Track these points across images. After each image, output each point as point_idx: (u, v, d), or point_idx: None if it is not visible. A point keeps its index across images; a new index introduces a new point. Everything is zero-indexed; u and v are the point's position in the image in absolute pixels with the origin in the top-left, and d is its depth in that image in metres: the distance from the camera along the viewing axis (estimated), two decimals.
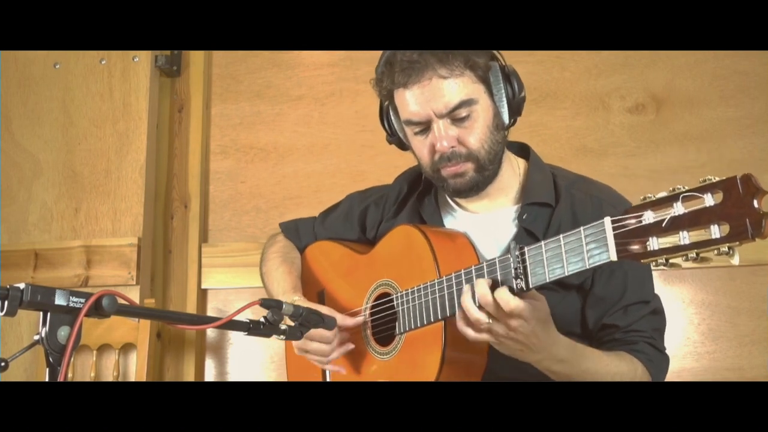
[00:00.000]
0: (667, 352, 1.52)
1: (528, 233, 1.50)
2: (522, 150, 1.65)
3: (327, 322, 1.40)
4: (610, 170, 2.41)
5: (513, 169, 1.60)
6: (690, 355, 2.31)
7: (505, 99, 1.48)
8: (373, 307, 1.57)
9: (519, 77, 1.50)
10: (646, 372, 1.44)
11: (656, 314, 1.52)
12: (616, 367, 1.39)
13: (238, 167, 2.64)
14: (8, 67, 2.63)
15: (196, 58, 2.69)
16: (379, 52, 1.53)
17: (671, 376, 2.26)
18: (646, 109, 2.46)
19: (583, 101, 2.50)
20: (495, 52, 1.51)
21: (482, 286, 1.24)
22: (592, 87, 2.50)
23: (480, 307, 1.25)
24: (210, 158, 2.66)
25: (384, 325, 1.54)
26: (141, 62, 2.58)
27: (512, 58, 1.51)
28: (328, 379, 1.66)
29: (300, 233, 1.88)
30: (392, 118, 1.57)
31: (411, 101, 1.46)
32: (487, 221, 1.57)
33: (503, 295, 1.21)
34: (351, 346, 1.56)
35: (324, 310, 1.47)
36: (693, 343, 2.32)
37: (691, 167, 2.39)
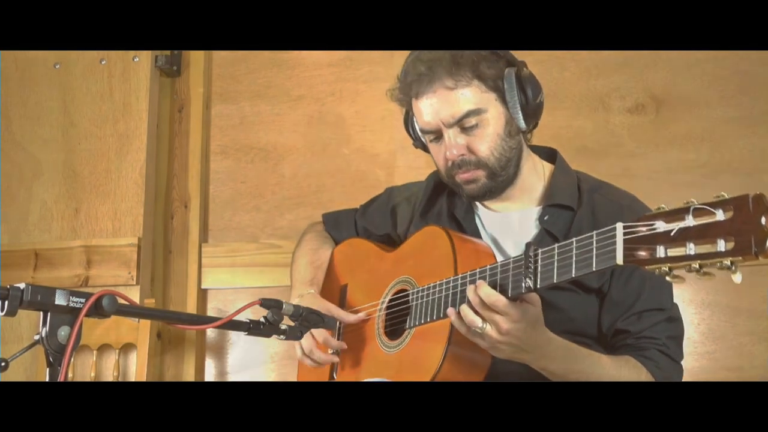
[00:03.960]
0: (682, 363, 1.50)
1: (548, 234, 1.52)
2: (550, 155, 1.68)
3: (327, 322, 1.41)
4: (610, 170, 2.40)
5: (536, 172, 1.62)
6: (690, 355, 2.30)
7: (518, 105, 1.50)
8: (390, 301, 1.59)
9: (536, 82, 1.52)
10: (651, 378, 1.43)
11: (672, 322, 1.51)
12: (616, 370, 1.39)
13: (238, 167, 2.63)
14: (8, 67, 2.63)
15: (196, 58, 2.68)
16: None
17: None
18: (646, 109, 2.46)
19: (583, 101, 2.49)
20: (513, 57, 1.55)
21: (470, 290, 1.28)
22: (592, 87, 2.49)
23: (476, 312, 1.28)
24: (210, 158, 2.65)
25: (397, 319, 1.56)
26: (141, 62, 2.58)
27: None
28: (335, 379, 1.67)
29: (340, 226, 1.92)
30: (415, 124, 1.62)
31: (423, 111, 1.52)
32: (511, 220, 1.60)
33: (486, 290, 1.25)
34: (335, 358, 1.62)
35: (320, 307, 1.48)
36: (693, 343, 2.31)
37: (691, 167, 2.38)
